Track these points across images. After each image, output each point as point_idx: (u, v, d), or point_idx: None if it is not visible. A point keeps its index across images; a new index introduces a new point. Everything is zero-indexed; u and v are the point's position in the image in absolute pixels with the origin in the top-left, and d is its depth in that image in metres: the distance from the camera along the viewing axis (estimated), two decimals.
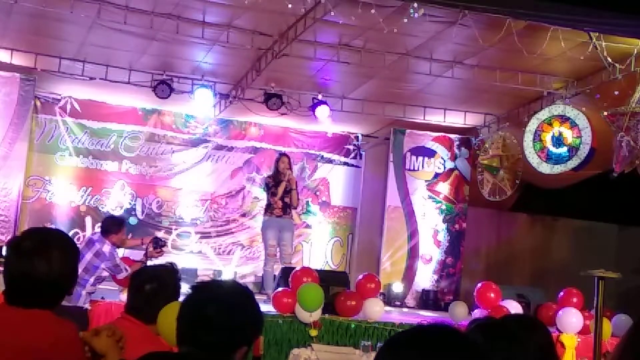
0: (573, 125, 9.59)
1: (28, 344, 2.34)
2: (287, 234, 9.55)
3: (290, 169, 9.57)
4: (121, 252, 8.89)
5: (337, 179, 12.30)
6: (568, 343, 8.61)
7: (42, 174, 10.88)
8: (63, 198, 10.92)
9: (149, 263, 7.48)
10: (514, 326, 2.85)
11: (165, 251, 10.88)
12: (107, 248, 7.18)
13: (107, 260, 7.15)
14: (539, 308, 9.35)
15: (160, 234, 11.19)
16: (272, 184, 9.50)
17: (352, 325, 8.34)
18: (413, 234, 11.86)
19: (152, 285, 3.16)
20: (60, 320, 2.43)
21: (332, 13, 7.72)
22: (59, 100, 10.92)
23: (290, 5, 7.65)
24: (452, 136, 12.06)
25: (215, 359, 2.20)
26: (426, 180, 11.98)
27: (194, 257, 11.32)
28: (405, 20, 7.64)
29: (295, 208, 9.91)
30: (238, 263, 11.57)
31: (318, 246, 12.10)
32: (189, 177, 11.54)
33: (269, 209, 9.52)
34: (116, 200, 11.19)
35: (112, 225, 7.45)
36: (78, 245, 2.84)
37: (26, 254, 2.43)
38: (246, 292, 2.31)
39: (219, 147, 11.70)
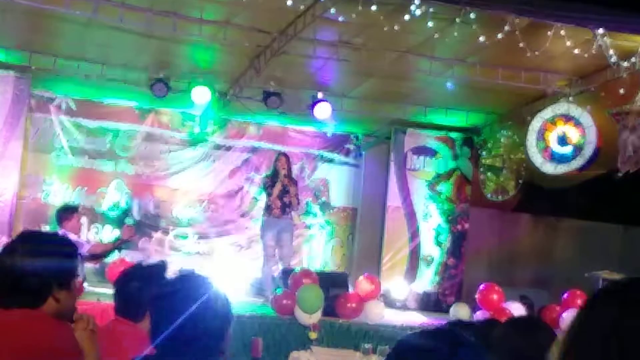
0: (577, 124, 9.50)
1: (24, 345, 2.33)
2: (286, 235, 9.54)
3: (287, 168, 9.54)
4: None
5: (337, 179, 12.22)
6: None
7: (37, 173, 10.80)
8: (58, 198, 10.83)
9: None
10: (519, 328, 2.88)
11: (163, 252, 10.95)
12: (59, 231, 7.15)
13: None
14: (543, 310, 9.31)
15: (157, 235, 11.19)
16: (269, 184, 9.52)
17: (353, 328, 8.30)
18: (414, 234, 11.76)
19: (134, 284, 3.18)
20: (56, 321, 2.42)
21: (332, 10, 7.68)
22: (54, 99, 10.84)
23: (289, 3, 7.58)
24: (454, 135, 11.96)
25: (209, 350, 2.23)
26: (427, 180, 11.88)
27: (192, 258, 11.23)
28: (406, 17, 7.59)
29: (296, 209, 9.91)
30: (237, 264, 11.48)
31: (318, 247, 12.03)
32: (186, 177, 11.45)
33: (267, 209, 9.55)
34: (112, 200, 11.10)
35: (62, 213, 7.60)
36: None
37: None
38: (207, 280, 2.35)
39: (217, 147, 11.62)
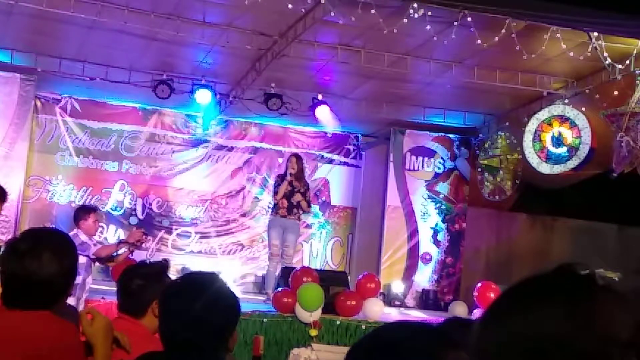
0: (573, 125, 9.59)
1: (28, 346, 2.33)
2: (291, 236, 9.58)
3: (297, 169, 9.56)
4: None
5: (337, 179, 12.31)
6: None
7: (43, 174, 10.91)
8: (63, 198, 10.94)
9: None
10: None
11: (166, 251, 11.04)
12: (71, 232, 7.17)
13: None
14: None
15: (160, 234, 11.29)
16: (278, 183, 9.57)
17: (352, 325, 8.37)
18: (413, 233, 11.86)
19: (136, 282, 3.20)
20: (60, 320, 2.43)
21: (332, 13, 7.72)
22: (60, 100, 10.95)
23: (290, 6, 7.65)
24: (452, 136, 12.06)
25: (216, 346, 2.25)
26: (426, 180, 11.99)
27: (195, 257, 11.33)
28: (405, 20, 7.66)
29: (306, 211, 9.90)
30: (238, 263, 11.59)
31: (318, 246, 12.12)
32: (189, 177, 11.56)
33: (274, 208, 9.62)
34: (116, 200, 11.20)
35: (79, 212, 7.58)
36: None
37: (18, 255, 2.42)
38: (213, 276, 2.38)
39: (219, 147, 11.72)
